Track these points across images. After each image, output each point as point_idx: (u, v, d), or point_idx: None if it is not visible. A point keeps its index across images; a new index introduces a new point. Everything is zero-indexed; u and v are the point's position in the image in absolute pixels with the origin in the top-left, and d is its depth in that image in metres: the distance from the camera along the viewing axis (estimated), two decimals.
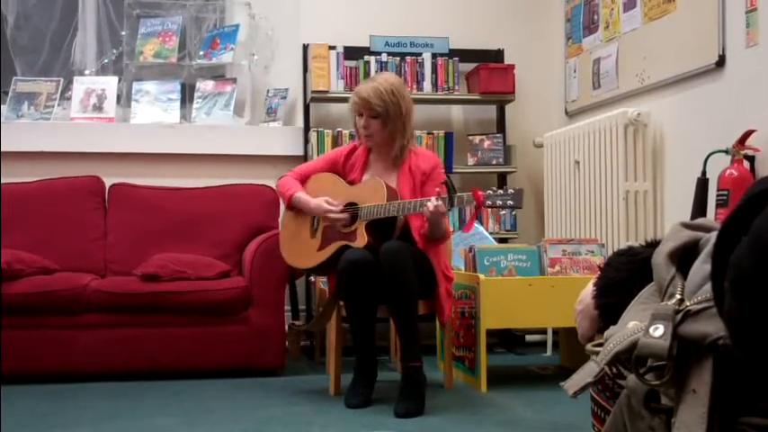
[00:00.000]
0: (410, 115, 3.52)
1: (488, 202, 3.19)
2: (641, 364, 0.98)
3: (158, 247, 4.32)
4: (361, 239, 3.37)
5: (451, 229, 3.99)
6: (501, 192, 3.20)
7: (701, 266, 1.00)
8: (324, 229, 3.53)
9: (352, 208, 3.46)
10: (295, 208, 3.61)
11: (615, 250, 1.40)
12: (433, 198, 3.21)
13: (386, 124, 3.46)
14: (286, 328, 4.20)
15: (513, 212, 4.97)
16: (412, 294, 3.26)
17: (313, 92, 4.83)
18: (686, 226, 1.11)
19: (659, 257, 1.08)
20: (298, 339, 4.54)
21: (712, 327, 0.92)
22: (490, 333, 3.84)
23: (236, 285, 4.03)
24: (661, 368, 0.96)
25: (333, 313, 3.59)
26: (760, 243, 0.79)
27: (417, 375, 3.28)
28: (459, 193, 3.19)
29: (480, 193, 3.16)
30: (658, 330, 0.96)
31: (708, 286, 0.94)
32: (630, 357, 0.99)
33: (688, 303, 0.97)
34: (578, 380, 1.08)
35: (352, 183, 3.57)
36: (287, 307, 4.62)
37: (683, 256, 1.07)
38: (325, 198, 3.50)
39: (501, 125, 5.14)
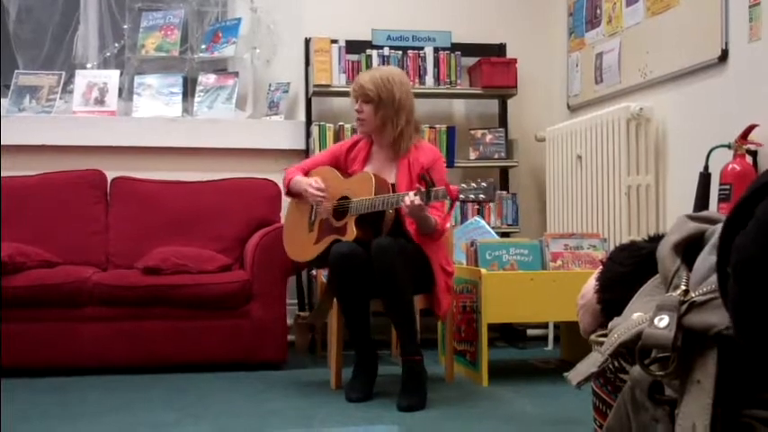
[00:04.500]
0: (404, 104, 3.51)
1: (461, 196, 3.24)
2: (645, 354, 0.98)
3: (160, 240, 4.32)
4: (351, 233, 3.39)
5: (451, 225, 4.00)
6: (474, 185, 3.24)
7: (706, 258, 1.00)
8: (320, 222, 3.55)
9: (344, 202, 3.47)
10: (294, 197, 3.66)
11: (617, 245, 1.39)
12: (410, 193, 3.22)
13: (377, 110, 3.49)
14: (289, 321, 4.20)
15: (514, 206, 4.97)
16: (404, 290, 3.26)
17: (315, 86, 4.83)
18: (691, 218, 1.11)
19: (664, 249, 1.08)
20: (306, 332, 4.52)
21: (717, 318, 0.92)
22: (491, 327, 3.85)
23: (238, 279, 4.03)
24: (665, 359, 0.96)
25: (331, 306, 3.60)
26: (763, 228, 0.79)
27: (418, 369, 3.28)
28: (435, 188, 3.20)
29: (453, 187, 3.18)
30: (663, 321, 0.95)
31: (713, 278, 0.94)
32: (635, 348, 0.99)
33: (693, 294, 0.97)
34: (582, 370, 1.08)
35: (352, 175, 3.58)
36: (293, 300, 4.64)
37: (688, 248, 1.06)
38: (315, 178, 3.56)
39: (503, 119, 5.14)
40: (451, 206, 3.40)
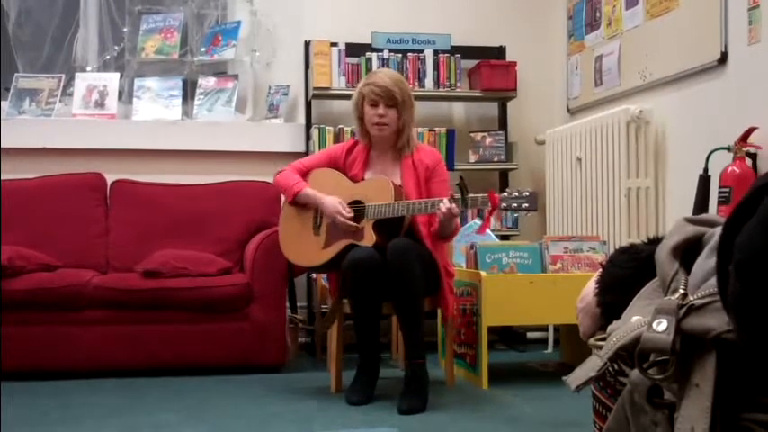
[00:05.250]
0: (413, 104, 3.53)
1: (503, 205, 3.18)
2: (644, 358, 0.98)
3: (160, 243, 4.32)
4: (369, 238, 3.35)
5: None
6: (516, 194, 3.19)
7: (705, 261, 1.00)
8: (327, 226, 3.51)
9: (356, 206, 3.45)
10: (298, 204, 3.59)
11: (617, 248, 1.39)
12: (445, 199, 3.20)
13: (401, 114, 3.46)
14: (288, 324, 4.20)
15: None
16: (418, 293, 3.26)
17: (314, 89, 4.83)
18: (690, 221, 1.11)
19: (663, 252, 1.08)
20: (297, 334, 4.52)
21: (716, 321, 0.92)
22: (491, 330, 3.84)
23: (238, 282, 4.03)
24: (664, 363, 0.96)
25: (338, 313, 3.57)
26: (766, 225, 0.79)
27: (421, 372, 3.28)
28: (473, 195, 3.17)
29: (496, 195, 3.14)
30: (662, 325, 0.95)
31: (712, 281, 0.94)
32: (633, 352, 0.99)
33: (692, 298, 0.97)
34: (581, 374, 1.08)
35: (353, 179, 3.55)
36: (298, 303, 4.64)
37: (687, 251, 1.06)
38: (340, 200, 3.46)
39: (503, 122, 5.14)
40: (490, 213, 3.33)
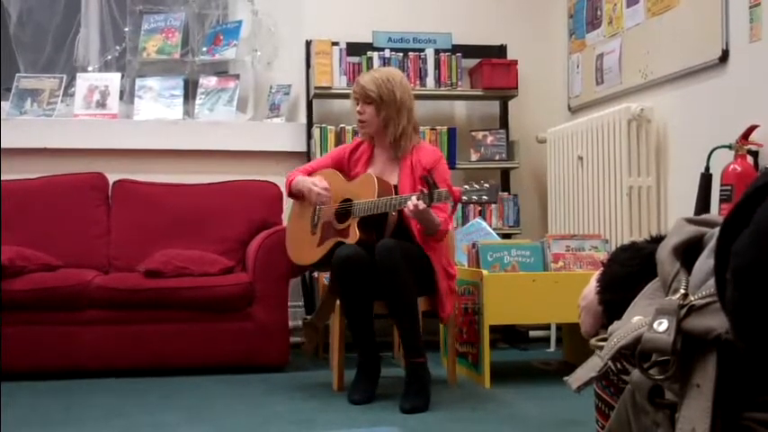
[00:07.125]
0: (405, 102, 3.51)
1: (464, 198, 3.24)
2: (645, 358, 0.98)
3: (161, 243, 4.32)
4: (353, 236, 3.38)
5: (453, 227, 4.00)
6: (477, 186, 3.24)
7: (706, 261, 1.00)
8: (323, 224, 3.55)
9: (346, 204, 3.47)
10: (297, 198, 3.65)
11: (619, 246, 1.39)
12: (413, 196, 3.22)
13: (379, 111, 3.49)
14: (291, 323, 4.19)
15: (515, 207, 4.96)
16: (408, 292, 3.26)
17: (316, 88, 4.83)
18: (690, 221, 1.11)
19: (663, 252, 1.08)
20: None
21: (716, 321, 0.92)
22: (493, 329, 3.85)
23: (240, 281, 4.03)
24: (665, 363, 0.96)
25: (333, 308, 3.60)
26: (762, 233, 0.79)
27: (422, 371, 3.28)
28: (438, 190, 3.19)
29: (456, 189, 3.18)
30: (662, 325, 0.95)
31: (712, 281, 0.94)
32: (634, 352, 0.99)
33: (692, 298, 0.97)
34: (582, 374, 1.08)
35: (354, 178, 3.58)
36: (297, 302, 4.64)
37: (688, 251, 1.06)
38: (318, 177, 3.57)
39: (504, 121, 5.14)
40: (453, 208, 3.39)
